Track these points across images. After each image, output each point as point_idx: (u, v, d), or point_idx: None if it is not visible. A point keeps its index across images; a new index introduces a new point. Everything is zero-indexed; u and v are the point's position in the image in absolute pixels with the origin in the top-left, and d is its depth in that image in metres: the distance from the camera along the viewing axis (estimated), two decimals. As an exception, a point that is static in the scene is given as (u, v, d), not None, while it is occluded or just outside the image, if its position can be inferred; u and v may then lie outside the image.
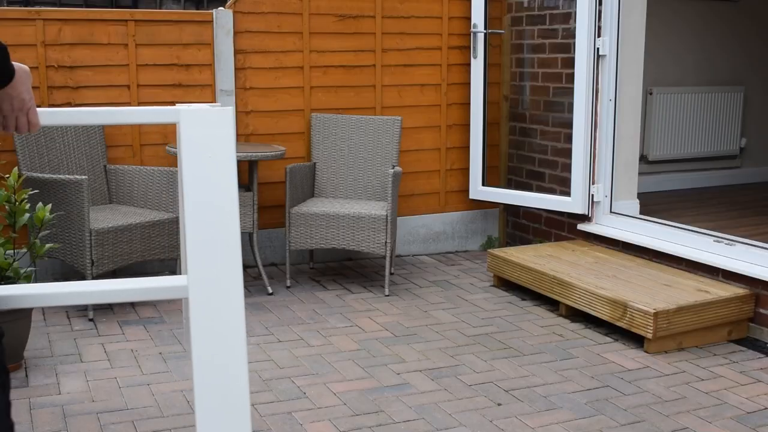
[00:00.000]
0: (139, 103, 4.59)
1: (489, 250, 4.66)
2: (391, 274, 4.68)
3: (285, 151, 4.48)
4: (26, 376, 3.30)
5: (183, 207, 1.82)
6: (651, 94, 6.00)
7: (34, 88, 4.42)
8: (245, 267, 4.85)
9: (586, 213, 4.74)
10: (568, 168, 4.79)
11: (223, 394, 1.81)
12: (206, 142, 1.82)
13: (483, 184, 5.21)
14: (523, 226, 5.35)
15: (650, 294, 3.78)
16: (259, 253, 4.60)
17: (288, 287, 4.54)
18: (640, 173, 4.97)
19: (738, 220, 4.99)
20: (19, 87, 1.84)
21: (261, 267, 4.48)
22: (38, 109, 1.90)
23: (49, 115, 1.92)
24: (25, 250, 3.53)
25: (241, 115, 4.78)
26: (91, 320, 3.96)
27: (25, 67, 1.86)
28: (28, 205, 3.43)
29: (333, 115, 4.88)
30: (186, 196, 1.78)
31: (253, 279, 4.70)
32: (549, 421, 2.96)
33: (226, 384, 1.81)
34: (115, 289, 1.93)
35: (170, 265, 4.68)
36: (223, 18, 4.66)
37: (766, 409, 3.09)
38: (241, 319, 1.79)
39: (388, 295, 4.42)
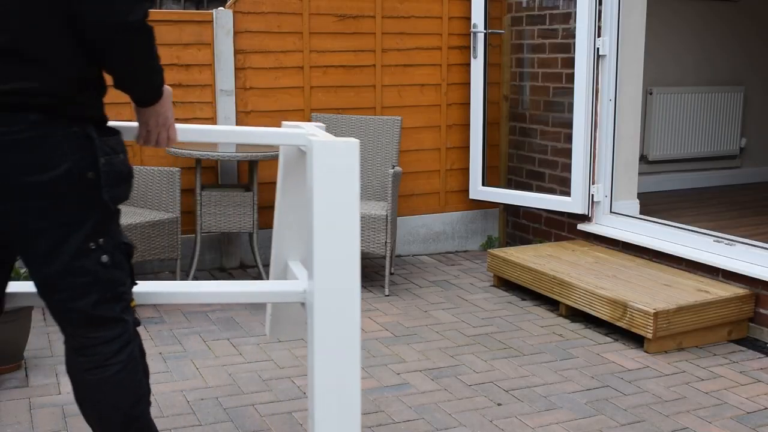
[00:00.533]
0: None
1: (489, 250, 4.66)
2: (391, 274, 4.68)
3: (285, 151, 4.48)
4: (26, 376, 3.30)
5: (312, 223, 2.07)
6: (651, 94, 6.00)
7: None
8: (245, 267, 4.85)
9: (586, 213, 4.73)
10: (568, 168, 4.79)
11: (339, 383, 2.05)
12: (336, 171, 2.06)
13: (483, 184, 5.21)
14: (523, 226, 5.35)
15: (650, 294, 3.78)
16: (259, 253, 4.60)
17: (288, 287, 4.54)
18: (640, 173, 4.97)
19: (738, 220, 4.99)
20: (165, 104, 2.09)
21: (261, 267, 4.48)
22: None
23: (181, 132, 2.18)
24: (25, 250, 3.53)
25: (241, 115, 4.78)
26: (91, 320, 3.95)
27: (169, 88, 2.09)
28: (28, 205, 3.43)
29: (333, 115, 4.88)
30: (315, 216, 2.05)
31: (253, 279, 4.70)
32: (549, 421, 2.96)
33: (342, 376, 2.06)
34: (235, 291, 2.30)
35: (170, 264, 4.68)
36: (223, 18, 4.67)
37: (766, 409, 3.09)
38: (357, 322, 2.07)
39: (388, 295, 4.42)
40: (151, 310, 4.12)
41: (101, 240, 2.00)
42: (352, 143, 2.09)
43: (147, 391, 2.16)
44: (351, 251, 2.08)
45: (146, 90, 2.04)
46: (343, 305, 2.07)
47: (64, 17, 1.83)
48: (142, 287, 2.24)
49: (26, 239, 1.95)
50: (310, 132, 2.27)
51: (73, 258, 1.96)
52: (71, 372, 2.08)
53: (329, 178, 2.07)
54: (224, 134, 2.39)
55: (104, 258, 2.01)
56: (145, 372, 2.17)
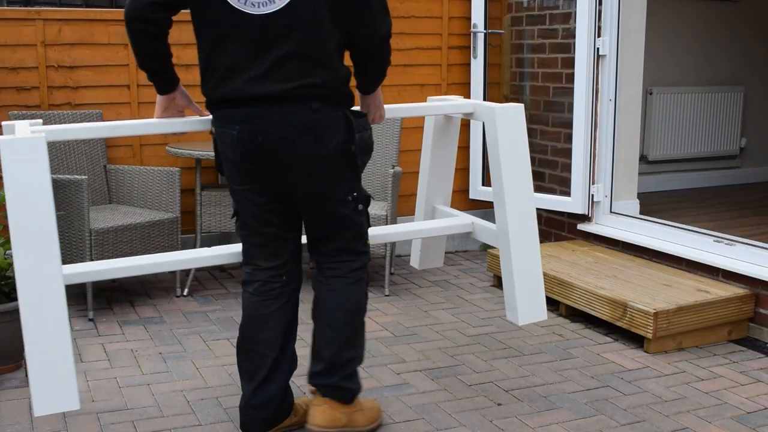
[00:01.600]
0: (139, 103, 4.59)
1: (489, 250, 4.66)
2: (391, 274, 4.67)
3: (285, 151, 4.47)
4: (26, 376, 3.30)
5: (499, 173, 2.86)
6: (651, 94, 6.00)
7: (33, 88, 4.42)
8: (245, 267, 4.85)
9: (586, 213, 4.74)
10: (568, 168, 4.79)
11: (530, 277, 2.96)
12: (514, 129, 2.86)
13: (483, 184, 5.21)
14: (523, 226, 5.33)
15: (650, 294, 3.78)
16: (259, 253, 4.60)
17: (288, 287, 4.53)
18: (640, 173, 4.97)
19: (738, 220, 4.99)
20: (379, 90, 2.75)
21: (261, 267, 4.48)
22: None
23: (387, 111, 2.87)
24: (25, 250, 3.53)
25: (241, 115, 4.78)
26: (91, 320, 3.95)
27: None
28: (28, 205, 3.42)
29: (333, 115, 4.87)
30: (503, 162, 2.85)
31: (253, 279, 4.69)
32: (549, 421, 2.96)
33: (532, 272, 2.96)
34: (422, 228, 3.22)
35: (170, 265, 4.67)
36: (223, 18, 4.66)
37: (766, 409, 3.09)
38: (537, 246, 2.95)
39: (388, 295, 4.42)
40: (152, 310, 4.12)
41: (355, 194, 2.67)
42: (521, 106, 2.88)
43: (365, 308, 2.81)
44: (529, 186, 2.91)
45: (379, 82, 2.71)
46: (526, 217, 2.92)
47: (337, 34, 2.49)
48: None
49: (307, 195, 2.60)
50: (473, 102, 3.08)
51: (338, 206, 2.64)
52: (318, 286, 2.73)
53: (509, 132, 2.85)
54: (408, 110, 3.27)
55: (359, 206, 2.70)
56: (365, 295, 2.80)
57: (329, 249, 2.70)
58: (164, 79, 2.69)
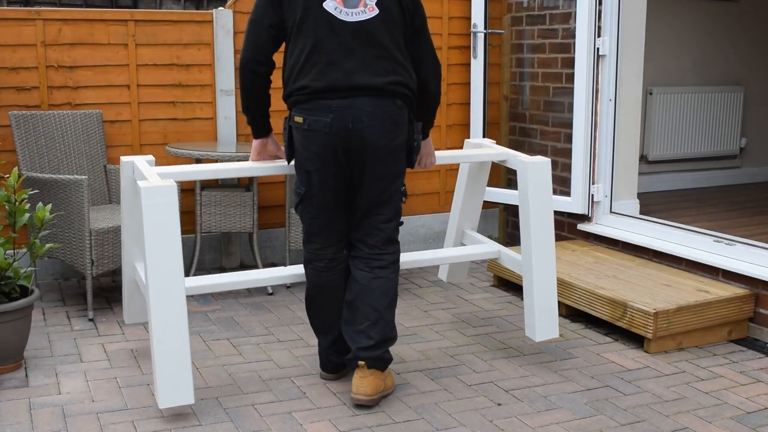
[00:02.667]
0: (139, 103, 4.59)
1: (489, 250, 4.65)
2: (391, 274, 4.67)
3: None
4: (26, 376, 3.30)
5: (527, 213, 3.42)
6: (651, 94, 6.00)
7: (33, 88, 4.42)
8: (245, 267, 4.85)
9: (586, 213, 4.73)
10: (568, 168, 4.79)
11: (547, 303, 3.47)
12: (541, 182, 3.41)
13: (483, 184, 5.20)
14: (523, 226, 5.33)
15: (650, 294, 3.78)
16: (259, 253, 4.60)
17: (288, 287, 4.54)
18: (640, 173, 4.97)
19: (738, 220, 4.99)
20: (430, 140, 3.31)
21: (261, 267, 4.48)
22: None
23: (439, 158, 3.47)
24: (25, 250, 3.53)
25: (241, 115, 4.78)
26: (91, 320, 3.95)
27: None
28: (28, 205, 3.43)
29: (333, 115, 4.87)
30: (532, 209, 3.40)
31: (253, 279, 4.69)
32: (549, 421, 2.96)
33: (548, 299, 3.47)
34: (452, 255, 3.73)
35: (170, 265, 4.67)
36: (223, 18, 4.67)
37: (766, 409, 3.09)
38: (554, 275, 3.47)
39: (388, 295, 4.41)
40: (151, 310, 4.11)
41: (403, 186, 3.14)
42: (547, 161, 3.42)
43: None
44: (551, 225, 3.45)
45: (431, 123, 3.25)
46: (547, 253, 3.44)
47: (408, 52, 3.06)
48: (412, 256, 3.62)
49: (371, 181, 3.00)
50: (506, 151, 3.57)
51: (392, 195, 3.07)
52: (359, 275, 3.09)
53: (537, 182, 3.38)
54: (452, 158, 3.57)
55: (403, 198, 3.15)
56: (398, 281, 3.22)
57: (375, 241, 3.09)
58: (263, 123, 3.13)
